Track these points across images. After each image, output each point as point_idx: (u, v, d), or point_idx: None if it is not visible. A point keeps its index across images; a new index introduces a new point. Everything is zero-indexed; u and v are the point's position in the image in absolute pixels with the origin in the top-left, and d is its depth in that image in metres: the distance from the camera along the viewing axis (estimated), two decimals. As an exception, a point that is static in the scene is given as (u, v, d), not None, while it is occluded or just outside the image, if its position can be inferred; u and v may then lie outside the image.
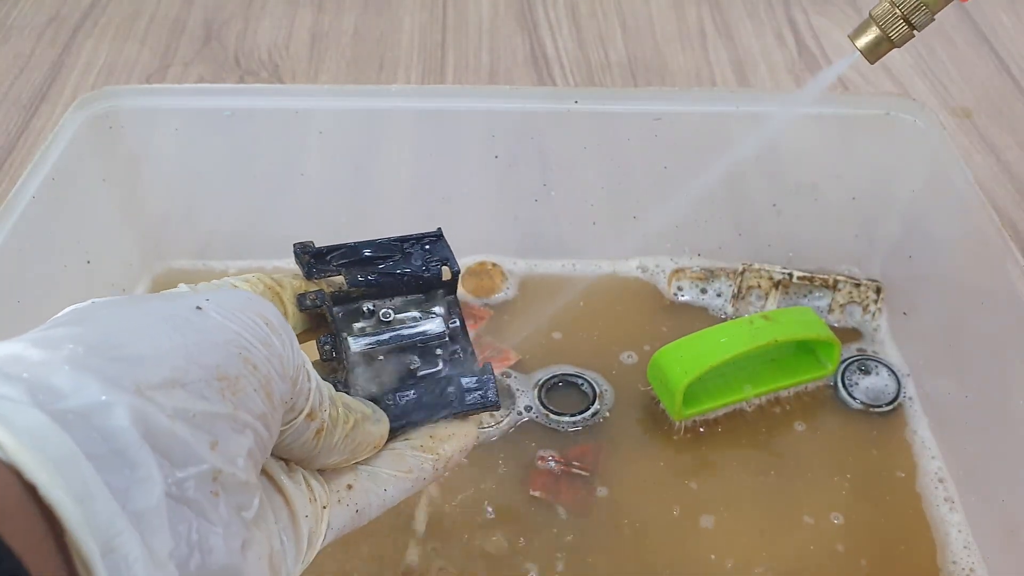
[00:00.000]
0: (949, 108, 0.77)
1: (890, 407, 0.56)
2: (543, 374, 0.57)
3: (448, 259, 0.40)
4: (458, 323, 0.40)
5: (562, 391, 0.57)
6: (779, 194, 0.62)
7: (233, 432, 0.28)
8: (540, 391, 0.56)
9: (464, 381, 0.39)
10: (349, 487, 0.36)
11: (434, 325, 0.40)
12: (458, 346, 0.40)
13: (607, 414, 0.56)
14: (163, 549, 0.25)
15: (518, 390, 0.56)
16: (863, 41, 0.45)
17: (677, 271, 0.63)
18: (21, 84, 0.78)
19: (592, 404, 0.56)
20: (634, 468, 0.53)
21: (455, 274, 0.40)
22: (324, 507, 0.34)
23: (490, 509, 0.50)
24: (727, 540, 0.50)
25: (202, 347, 0.28)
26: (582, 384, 0.57)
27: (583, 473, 0.52)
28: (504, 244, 0.64)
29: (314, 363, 0.34)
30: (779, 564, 0.49)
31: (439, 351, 0.40)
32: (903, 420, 0.56)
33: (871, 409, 0.56)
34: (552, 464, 0.52)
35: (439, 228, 0.41)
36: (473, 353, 0.40)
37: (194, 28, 0.85)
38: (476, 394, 0.39)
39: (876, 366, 0.58)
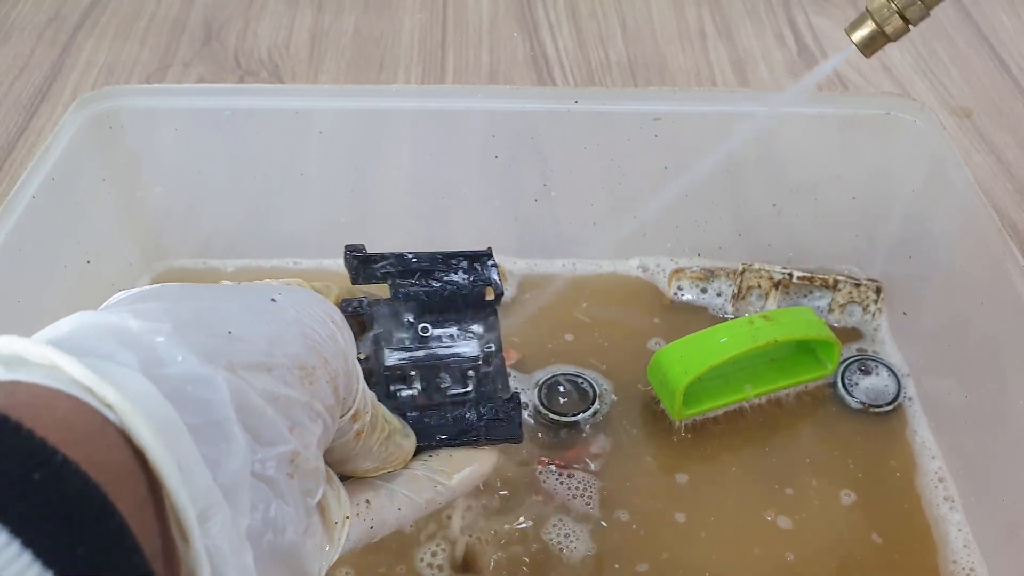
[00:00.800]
0: (949, 108, 0.77)
1: (890, 407, 0.56)
2: (543, 374, 0.57)
3: (493, 280, 0.40)
4: (494, 347, 0.40)
5: (562, 391, 0.57)
6: (779, 194, 0.62)
7: (308, 419, 0.29)
8: (540, 391, 0.56)
9: (489, 411, 0.39)
10: (368, 503, 0.36)
11: (470, 348, 0.39)
12: (491, 368, 0.39)
13: (607, 414, 0.56)
14: (243, 522, 0.25)
15: (519, 389, 0.56)
16: (859, 35, 0.45)
17: (677, 271, 0.63)
18: (21, 84, 0.78)
19: (592, 404, 0.56)
20: (634, 468, 0.53)
21: (498, 296, 0.40)
22: (347, 517, 0.35)
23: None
24: (727, 539, 0.50)
25: (283, 337, 0.29)
26: (582, 384, 0.57)
27: (583, 474, 0.52)
28: (504, 244, 0.64)
29: None
30: (777, 563, 0.49)
31: (471, 373, 0.39)
32: (903, 420, 0.56)
33: (871, 409, 0.56)
34: (552, 464, 0.52)
35: (489, 248, 0.41)
36: (505, 377, 0.40)
37: (194, 28, 0.85)
38: (499, 425, 0.38)
39: (876, 366, 0.58)
